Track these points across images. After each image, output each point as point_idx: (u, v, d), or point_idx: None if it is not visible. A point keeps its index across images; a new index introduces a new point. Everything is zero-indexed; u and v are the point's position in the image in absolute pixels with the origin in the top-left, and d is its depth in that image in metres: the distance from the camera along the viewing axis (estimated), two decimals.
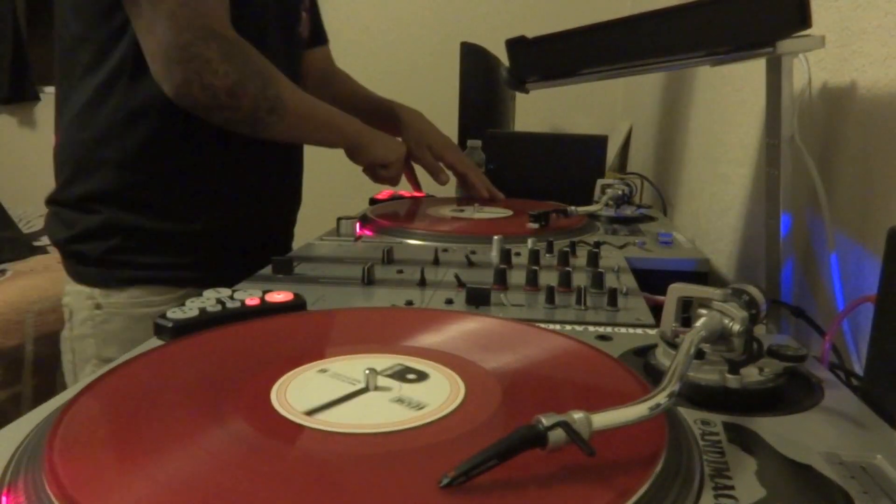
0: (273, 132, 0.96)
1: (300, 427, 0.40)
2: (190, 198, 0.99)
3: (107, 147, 0.95)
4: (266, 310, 0.62)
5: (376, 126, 1.32)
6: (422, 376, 0.47)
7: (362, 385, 0.45)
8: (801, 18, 0.64)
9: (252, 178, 1.05)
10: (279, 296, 0.64)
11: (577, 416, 0.35)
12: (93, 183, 0.96)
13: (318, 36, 1.30)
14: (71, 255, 0.99)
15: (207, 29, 0.87)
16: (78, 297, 0.98)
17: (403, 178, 1.23)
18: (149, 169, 0.96)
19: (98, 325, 0.96)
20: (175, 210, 0.98)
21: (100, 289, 0.96)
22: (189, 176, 0.99)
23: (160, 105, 0.91)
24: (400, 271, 0.81)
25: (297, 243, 0.97)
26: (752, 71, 1.02)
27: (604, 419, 0.36)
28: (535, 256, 0.81)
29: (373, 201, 1.31)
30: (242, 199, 1.04)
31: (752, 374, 0.47)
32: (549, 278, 0.74)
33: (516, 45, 0.72)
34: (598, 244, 0.92)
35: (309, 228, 1.12)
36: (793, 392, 0.49)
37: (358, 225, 1.03)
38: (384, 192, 1.35)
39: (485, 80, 1.81)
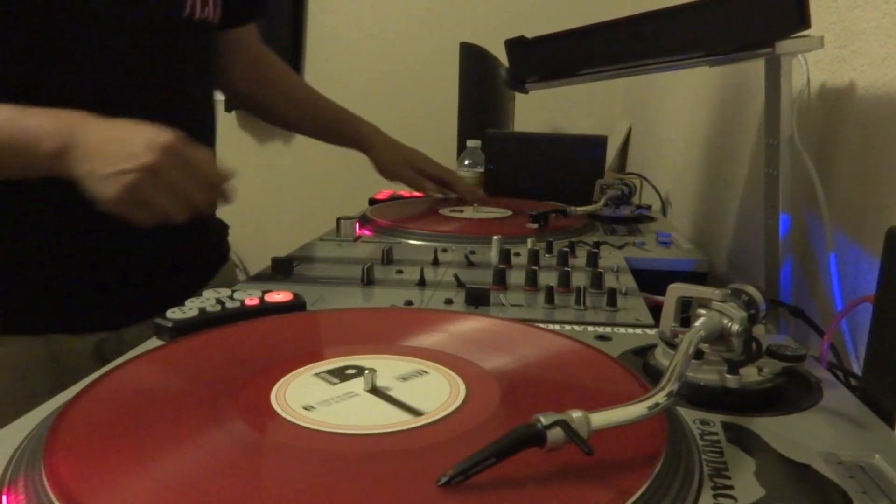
0: None
1: (300, 427, 0.40)
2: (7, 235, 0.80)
3: None
4: (265, 310, 0.62)
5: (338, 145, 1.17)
6: (422, 376, 0.47)
7: (362, 385, 0.45)
8: (799, 19, 0.64)
9: (65, 211, 0.80)
10: (279, 296, 0.64)
11: (576, 415, 0.35)
12: None
13: (239, 13, 1.02)
14: None
15: None
16: None
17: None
18: None
19: None
20: None
21: None
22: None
23: None
24: (399, 271, 0.81)
25: (297, 243, 0.96)
26: (751, 71, 1.02)
27: (602, 418, 0.36)
28: (534, 256, 0.81)
29: (372, 201, 1.32)
30: (55, 236, 0.82)
31: (751, 374, 0.47)
32: (548, 278, 0.74)
33: (516, 46, 0.72)
34: (597, 244, 0.92)
35: (308, 228, 1.12)
36: (792, 392, 0.49)
37: (357, 225, 1.04)
38: (384, 192, 1.35)
39: (484, 81, 1.81)
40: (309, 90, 1.20)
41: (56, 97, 0.71)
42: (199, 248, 0.97)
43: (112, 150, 0.67)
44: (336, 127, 1.21)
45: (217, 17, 0.93)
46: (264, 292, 0.64)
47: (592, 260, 0.81)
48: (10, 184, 0.75)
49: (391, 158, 1.20)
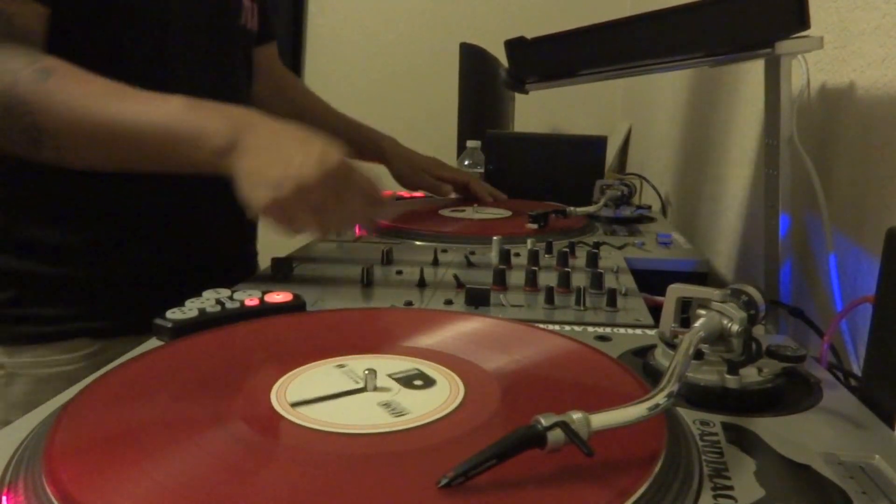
0: (72, 167, 0.72)
1: (300, 427, 0.40)
2: (93, 238, 0.82)
3: None
4: (265, 310, 0.62)
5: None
6: (421, 377, 0.47)
7: (362, 386, 0.45)
8: (799, 19, 0.64)
9: (175, 210, 0.87)
10: (278, 296, 0.64)
11: (576, 416, 0.35)
12: None
13: (267, 31, 1.08)
14: None
15: None
16: None
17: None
18: (39, 207, 0.81)
19: (2, 388, 0.81)
20: (77, 253, 0.81)
21: (2, 347, 0.81)
22: (90, 215, 0.82)
23: None
24: (399, 272, 0.81)
25: (296, 244, 0.96)
26: (750, 72, 1.02)
27: (602, 419, 0.36)
28: (534, 257, 0.81)
29: None
30: (164, 237, 0.86)
31: (750, 375, 0.47)
32: (548, 279, 0.74)
33: (515, 46, 0.72)
34: (597, 245, 0.92)
35: None
36: (791, 392, 0.49)
37: (357, 226, 1.03)
38: (383, 192, 1.35)
39: (484, 81, 1.81)
40: (328, 109, 1.23)
41: None
42: (248, 244, 1.03)
43: (276, 157, 0.67)
44: (357, 143, 1.22)
45: (256, 29, 0.99)
46: (264, 293, 0.64)
47: (592, 260, 0.81)
48: (96, 190, 0.79)
49: (409, 169, 1.23)
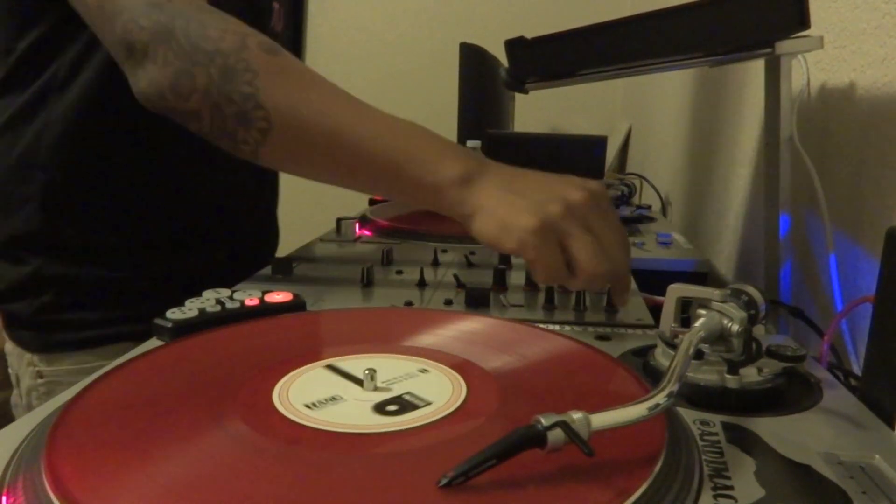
0: (263, 158, 0.63)
1: (301, 427, 0.40)
2: (135, 241, 0.82)
3: (30, 181, 0.78)
4: (265, 310, 0.62)
5: None
6: (422, 377, 0.47)
7: (362, 385, 0.45)
8: (799, 19, 0.64)
9: (211, 214, 0.88)
10: (279, 296, 0.64)
11: (576, 416, 0.35)
12: (15, 225, 0.79)
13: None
14: (3, 312, 0.82)
15: None
16: (20, 362, 0.81)
17: None
18: (81, 207, 0.79)
19: (42, 397, 0.80)
20: (118, 256, 0.81)
21: (39, 354, 0.80)
22: (132, 215, 0.82)
23: (88, 128, 0.76)
24: (399, 272, 0.81)
25: (297, 243, 0.96)
26: (750, 72, 1.02)
27: (603, 419, 0.36)
28: None
29: (372, 202, 1.31)
30: (200, 240, 0.87)
31: (751, 375, 0.47)
32: None
33: (515, 46, 0.72)
34: None
35: (308, 229, 1.12)
36: (792, 392, 0.49)
37: (357, 225, 1.03)
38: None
39: (484, 81, 1.81)
40: None
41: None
42: (274, 249, 1.04)
43: (529, 185, 0.60)
44: None
45: (282, 32, 0.99)
46: (264, 293, 0.64)
47: None
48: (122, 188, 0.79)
49: None
